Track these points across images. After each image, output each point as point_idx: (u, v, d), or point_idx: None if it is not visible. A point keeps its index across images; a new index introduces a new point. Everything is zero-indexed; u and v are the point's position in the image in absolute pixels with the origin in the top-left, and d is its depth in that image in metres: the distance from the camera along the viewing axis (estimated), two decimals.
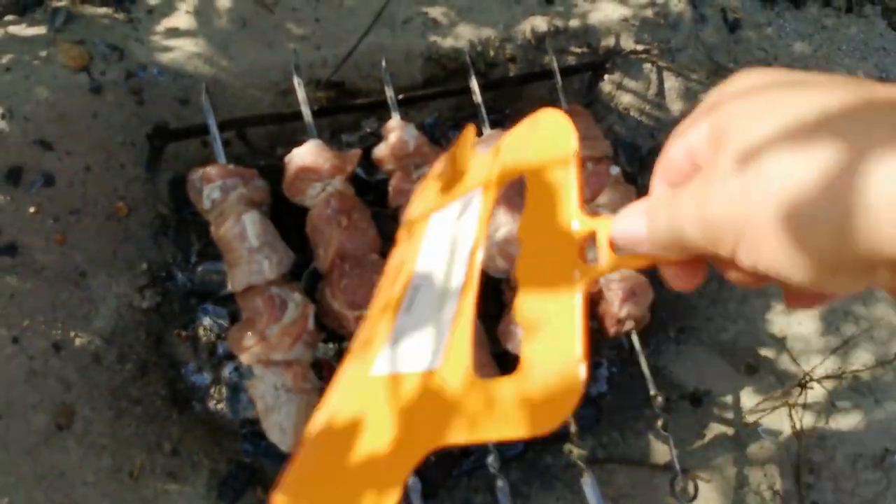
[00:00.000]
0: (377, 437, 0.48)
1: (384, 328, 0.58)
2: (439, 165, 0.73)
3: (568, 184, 0.47)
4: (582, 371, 0.40)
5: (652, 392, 1.27)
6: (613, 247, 0.42)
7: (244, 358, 1.10)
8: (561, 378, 0.40)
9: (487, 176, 0.58)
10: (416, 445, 0.44)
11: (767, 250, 0.32)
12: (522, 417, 0.40)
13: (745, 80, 0.36)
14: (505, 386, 0.43)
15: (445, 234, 0.60)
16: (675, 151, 0.39)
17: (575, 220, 0.45)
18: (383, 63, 1.28)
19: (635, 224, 0.40)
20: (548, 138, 0.51)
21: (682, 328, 1.51)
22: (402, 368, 0.51)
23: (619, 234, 0.41)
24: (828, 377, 1.41)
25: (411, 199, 0.75)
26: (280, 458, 1.26)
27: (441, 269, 0.56)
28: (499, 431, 0.41)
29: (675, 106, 1.53)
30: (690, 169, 0.39)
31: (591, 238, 0.44)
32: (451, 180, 0.66)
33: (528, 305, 0.46)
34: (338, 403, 0.55)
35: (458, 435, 0.42)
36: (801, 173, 0.30)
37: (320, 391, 1.15)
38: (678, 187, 0.38)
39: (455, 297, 0.51)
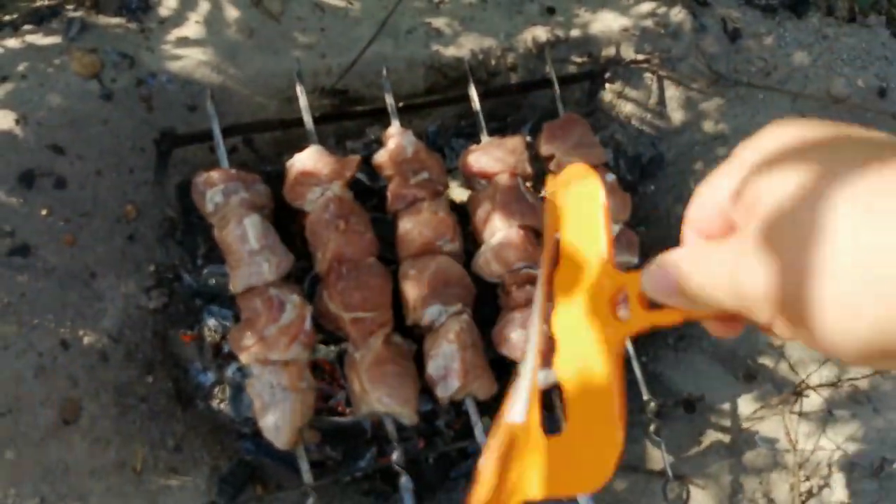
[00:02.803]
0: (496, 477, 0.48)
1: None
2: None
3: (598, 237, 0.45)
4: (619, 436, 0.40)
5: (645, 397, 1.29)
6: (645, 301, 0.41)
7: (243, 357, 1.13)
8: (601, 440, 0.41)
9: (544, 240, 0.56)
10: (511, 495, 0.45)
11: (802, 330, 0.31)
12: (572, 476, 0.42)
13: (776, 139, 0.35)
14: (558, 444, 0.44)
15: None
16: (706, 205, 0.38)
17: (605, 275, 0.44)
18: (384, 71, 1.32)
19: (666, 276, 0.38)
20: (577, 193, 0.50)
21: (681, 336, 1.52)
22: (509, 418, 0.51)
23: (649, 285, 0.39)
24: (824, 385, 1.42)
25: None
26: (279, 457, 1.29)
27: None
28: (555, 488, 0.43)
29: (676, 115, 1.55)
30: (722, 223, 0.37)
31: (624, 293, 0.43)
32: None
33: (567, 366, 0.45)
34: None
35: (535, 490, 0.44)
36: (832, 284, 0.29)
37: (316, 391, 1.18)
38: (710, 239, 0.38)
39: (530, 358, 0.50)
